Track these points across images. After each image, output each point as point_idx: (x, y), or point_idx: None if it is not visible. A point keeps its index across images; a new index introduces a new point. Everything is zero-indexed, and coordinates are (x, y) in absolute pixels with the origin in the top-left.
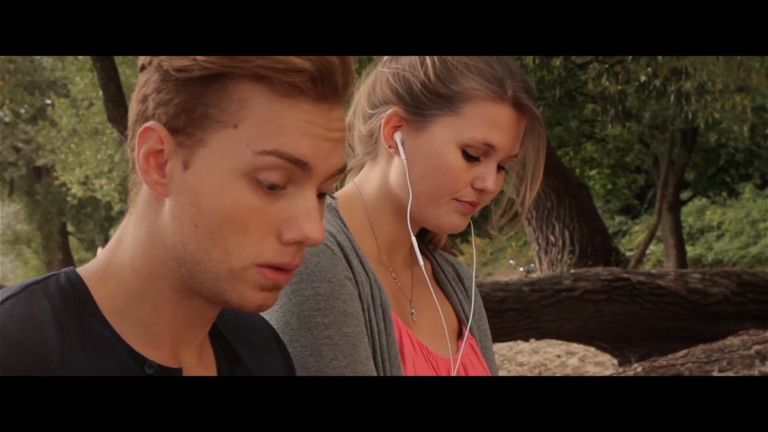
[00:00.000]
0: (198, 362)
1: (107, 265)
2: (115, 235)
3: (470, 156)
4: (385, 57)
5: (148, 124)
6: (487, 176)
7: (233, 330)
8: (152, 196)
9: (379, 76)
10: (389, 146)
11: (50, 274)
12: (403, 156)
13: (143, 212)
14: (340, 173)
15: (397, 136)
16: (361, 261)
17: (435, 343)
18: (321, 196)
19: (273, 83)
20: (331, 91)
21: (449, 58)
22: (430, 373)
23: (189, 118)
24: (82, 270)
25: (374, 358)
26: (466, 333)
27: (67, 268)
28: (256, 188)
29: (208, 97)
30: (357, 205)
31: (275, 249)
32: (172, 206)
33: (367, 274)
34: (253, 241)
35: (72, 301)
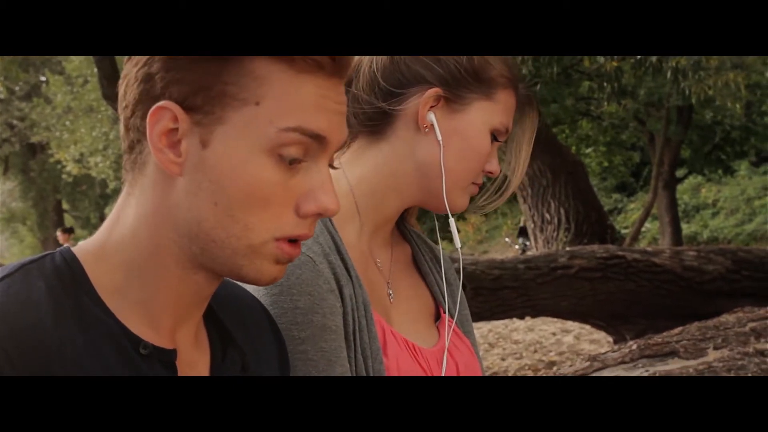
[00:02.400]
0: (193, 343)
1: (104, 244)
2: (112, 214)
3: (495, 140)
4: None
5: (161, 103)
6: (494, 159)
7: (227, 310)
8: (160, 175)
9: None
10: (425, 126)
11: (46, 253)
12: (439, 136)
13: (148, 192)
14: (344, 145)
15: (432, 116)
16: (343, 259)
17: (414, 327)
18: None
19: (294, 59)
20: (345, 66)
21: None
22: (415, 367)
23: (207, 96)
24: (77, 249)
25: (356, 356)
26: (447, 317)
27: (62, 247)
28: (278, 163)
29: (225, 75)
30: (343, 188)
31: (293, 222)
32: (187, 184)
33: (349, 273)
34: (272, 216)
35: (67, 280)
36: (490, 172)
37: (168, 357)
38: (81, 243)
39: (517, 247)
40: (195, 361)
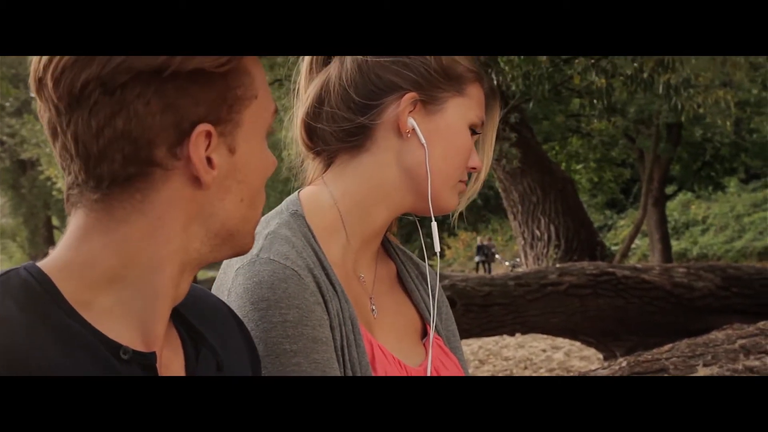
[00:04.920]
0: (165, 344)
1: (71, 262)
2: (73, 232)
3: (473, 133)
4: None
5: (200, 128)
6: (475, 155)
7: (193, 312)
8: (174, 194)
9: (370, 65)
10: (407, 132)
11: (8, 269)
12: (423, 139)
13: (151, 214)
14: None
15: (412, 121)
16: (327, 274)
17: (400, 343)
18: None
19: None
20: None
21: None
22: None
23: (227, 106)
24: (43, 264)
25: (345, 371)
26: (431, 333)
27: (25, 263)
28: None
29: (231, 80)
30: (327, 204)
31: None
32: (214, 193)
33: (335, 288)
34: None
35: (37, 294)
36: (473, 168)
37: (149, 360)
38: (45, 260)
39: (507, 263)
40: (170, 361)
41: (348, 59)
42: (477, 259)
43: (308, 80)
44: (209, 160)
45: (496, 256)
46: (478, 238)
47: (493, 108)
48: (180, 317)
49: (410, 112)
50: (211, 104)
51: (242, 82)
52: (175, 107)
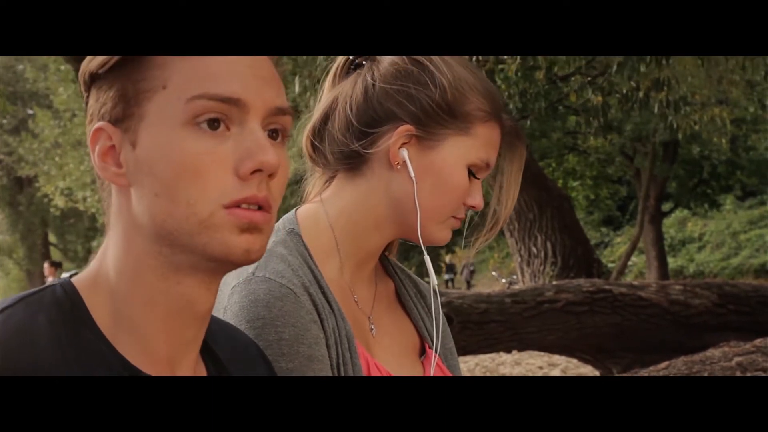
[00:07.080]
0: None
1: (96, 275)
2: (101, 246)
3: (472, 174)
4: (369, 71)
5: (93, 126)
6: (476, 194)
7: (224, 349)
8: (121, 196)
9: (376, 92)
10: (396, 163)
11: (48, 284)
12: (412, 173)
13: (117, 216)
14: (282, 112)
15: (404, 153)
16: (324, 293)
17: (398, 362)
18: (274, 133)
19: None
20: None
21: (456, 77)
22: None
23: (125, 101)
24: (76, 280)
25: None
26: (433, 353)
27: (63, 279)
28: (198, 133)
29: (134, 75)
30: (323, 224)
31: (236, 185)
32: (136, 190)
33: (331, 306)
34: (211, 186)
35: (67, 312)
36: (473, 206)
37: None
38: (79, 274)
39: (504, 281)
40: None
41: (359, 81)
42: (446, 277)
43: (329, 90)
44: (117, 159)
45: (493, 273)
46: (447, 257)
47: (516, 149)
48: (210, 353)
49: (404, 144)
50: (110, 103)
51: (145, 74)
52: (93, 115)
